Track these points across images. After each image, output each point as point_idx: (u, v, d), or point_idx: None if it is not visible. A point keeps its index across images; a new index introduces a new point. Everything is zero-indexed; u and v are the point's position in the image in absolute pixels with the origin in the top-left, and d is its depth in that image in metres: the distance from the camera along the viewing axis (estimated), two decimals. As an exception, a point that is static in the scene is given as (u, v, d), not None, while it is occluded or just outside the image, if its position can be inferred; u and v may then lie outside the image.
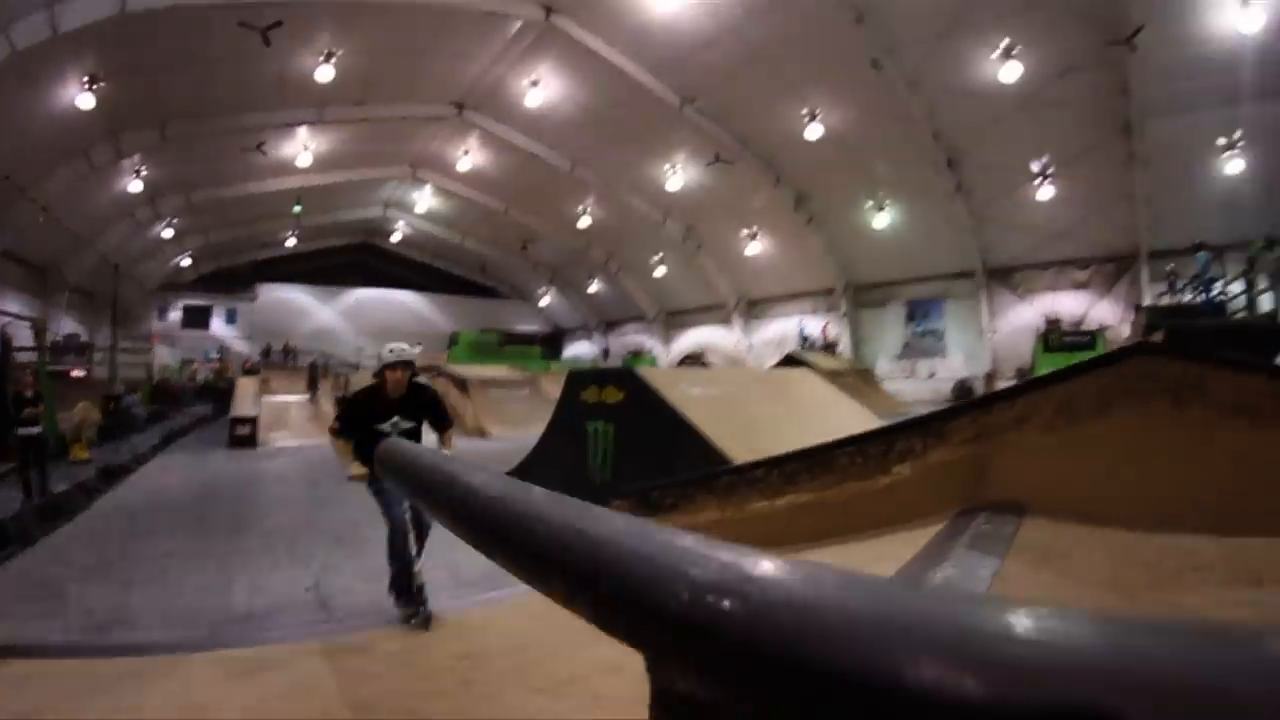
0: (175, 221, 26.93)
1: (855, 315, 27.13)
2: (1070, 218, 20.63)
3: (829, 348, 26.04)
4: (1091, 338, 19.24)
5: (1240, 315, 14.03)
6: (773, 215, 26.12)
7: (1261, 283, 14.07)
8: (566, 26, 19.43)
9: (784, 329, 28.88)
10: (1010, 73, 17.61)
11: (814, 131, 21.06)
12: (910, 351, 25.36)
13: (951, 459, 3.95)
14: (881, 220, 23.79)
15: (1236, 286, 15.09)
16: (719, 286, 30.51)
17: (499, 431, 16.27)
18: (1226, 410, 3.07)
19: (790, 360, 17.72)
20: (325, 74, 19.23)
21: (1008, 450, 3.77)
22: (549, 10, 19.04)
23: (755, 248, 27.74)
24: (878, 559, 3.02)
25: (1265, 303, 13.87)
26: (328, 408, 18.62)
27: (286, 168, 24.88)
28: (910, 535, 3.44)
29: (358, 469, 4.44)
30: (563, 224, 30.74)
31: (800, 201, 25.16)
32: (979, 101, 18.89)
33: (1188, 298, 16.46)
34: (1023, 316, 22.36)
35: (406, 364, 4.69)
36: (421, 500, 1.76)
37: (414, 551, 4.25)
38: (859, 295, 27.11)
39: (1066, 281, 21.87)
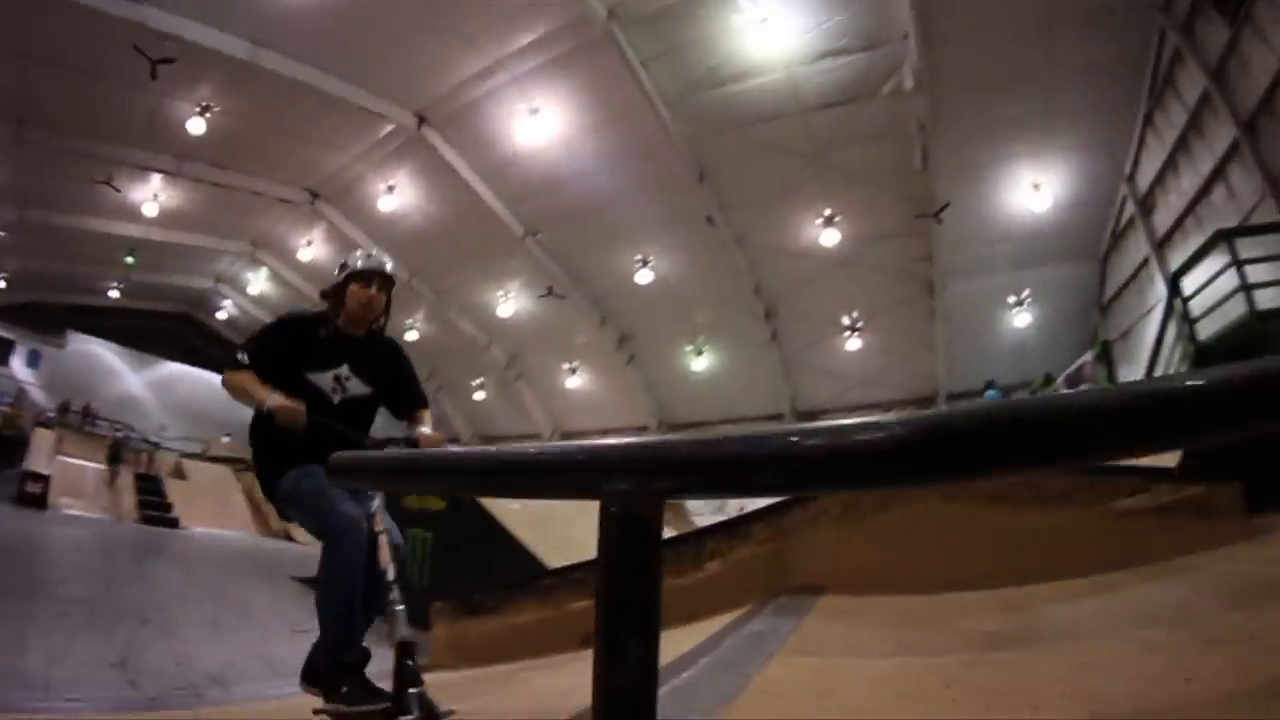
0: (1, 235, 24.49)
1: (666, 454, 28.07)
2: (875, 365, 23.05)
3: (640, 484, 26.63)
4: (892, 473, 21.25)
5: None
6: (595, 352, 27.08)
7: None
8: (434, 140, 20.22)
9: (597, 462, 29.22)
10: (830, 238, 19.99)
11: (645, 277, 22.69)
12: (719, 489, 26.48)
13: (756, 554, 4.75)
14: (699, 363, 25.34)
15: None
16: (535, 416, 30.64)
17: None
18: (987, 500, 4.06)
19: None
20: (197, 126, 18.83)
21: (803, 544, 4.62)
22: (422, 120, 19.82)
23: (575, 381, 28.38)
24: (693, 637, 3.50)
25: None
26: (129, 495, 17.28)
27: (131, 213, 23.51)
28: (723, 619, 3.97)
29: (279, 399, 2.73)
30: (389, 334, 30.15)
31: (623, 341, 26.35)
32: (799, 261, 21.15)
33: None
34: (830, 453, 24.27)
35: (387, 280, 3.16)
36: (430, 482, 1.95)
37: (390, 577, 2.53)
38: (672, 434, 28.16)
39: (870, 423, 24.13)
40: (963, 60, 15.93)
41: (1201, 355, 10.34)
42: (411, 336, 29.27)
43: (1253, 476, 4.00)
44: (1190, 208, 15.50)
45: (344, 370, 3.02)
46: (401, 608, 2.45)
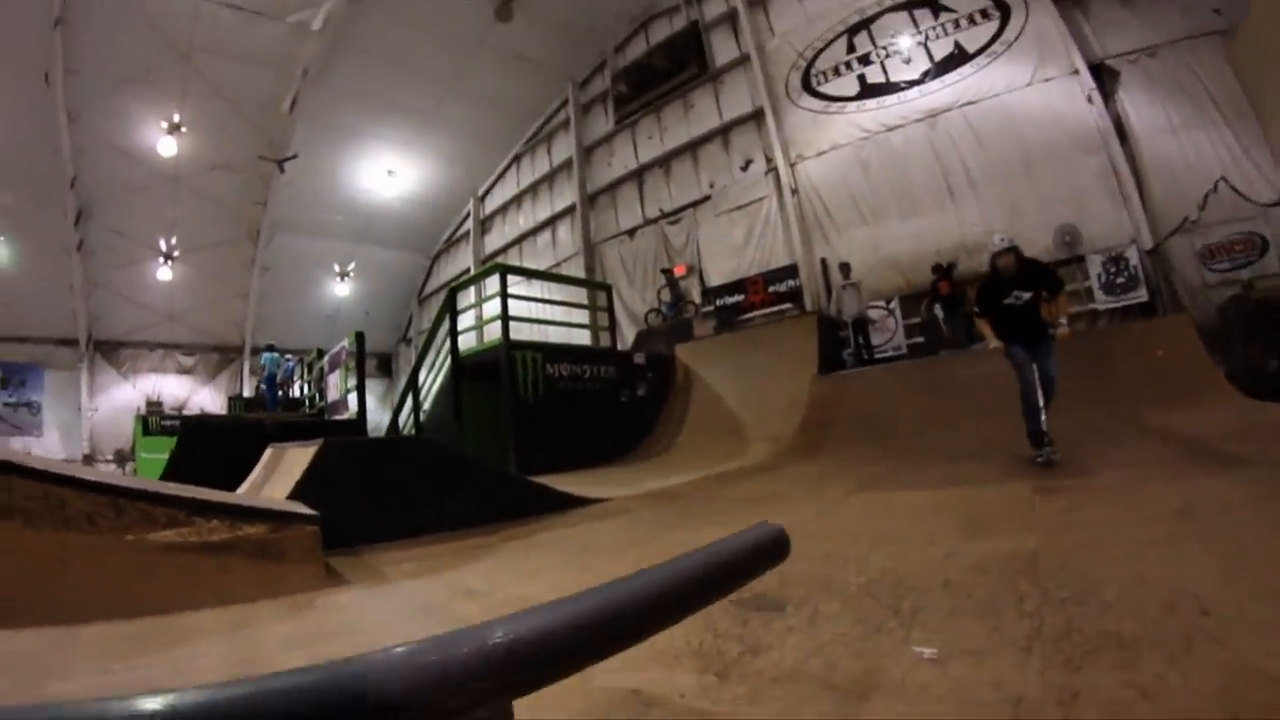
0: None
1: None
2: (187, 303, 21.14)
3: None
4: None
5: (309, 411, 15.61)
6: None
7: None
8: None
9: None
10: (168, 147, 17.88)
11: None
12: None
13: None
14: (-10, 260, 18.30)
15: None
16: None
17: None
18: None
19: None
20: None
21: None
22: None
23: None
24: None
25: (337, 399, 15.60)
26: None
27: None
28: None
29: (995, 342, 5.47)
30: None
31: None
32: (130, 163, 18.02)
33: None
34: (126, 395, 20.41)
35: (1010, 249, 5.47)
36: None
37: (1041, 404, 5.16)
38: None
39: (173, 364, 21.54)
40: (379, 30, 16.90)
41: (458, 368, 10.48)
42: None
43: (326, 517, 3.86)
44: (519, 240, 20.35)
45: (1016, 292, 5.45)
46: (1044, 418, 5.15)
